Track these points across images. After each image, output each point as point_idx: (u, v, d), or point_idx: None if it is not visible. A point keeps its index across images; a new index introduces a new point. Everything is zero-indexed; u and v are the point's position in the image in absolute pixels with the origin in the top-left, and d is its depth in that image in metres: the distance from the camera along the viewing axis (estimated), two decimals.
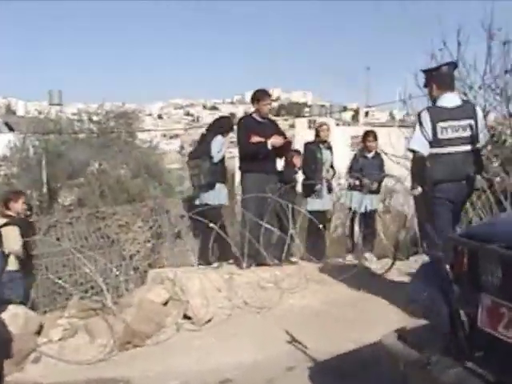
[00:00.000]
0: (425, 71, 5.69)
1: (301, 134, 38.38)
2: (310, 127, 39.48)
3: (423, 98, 13.48)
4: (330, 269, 7.05)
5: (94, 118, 16.28)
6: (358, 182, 8.27)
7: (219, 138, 7.16)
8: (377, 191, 8.40)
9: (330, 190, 8.30)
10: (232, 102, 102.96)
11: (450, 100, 5.39)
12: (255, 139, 6.86)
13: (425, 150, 5.23)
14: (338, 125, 41.62)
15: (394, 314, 5.53)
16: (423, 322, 5.11)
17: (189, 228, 7.54)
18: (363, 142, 8.52)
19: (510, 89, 12.80)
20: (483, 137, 5.50)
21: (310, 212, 7.82)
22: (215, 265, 6.94)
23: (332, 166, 8.35)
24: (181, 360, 4.95)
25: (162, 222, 7.14)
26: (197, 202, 7.08)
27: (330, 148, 8.36)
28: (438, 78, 5.43)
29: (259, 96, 7.02)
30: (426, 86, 5.63)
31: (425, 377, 2.86)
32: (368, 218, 8.21)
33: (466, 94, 13.40)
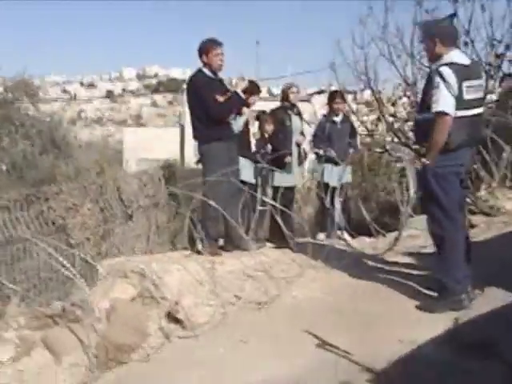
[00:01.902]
0: (425, 24, 4.87)
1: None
2: None
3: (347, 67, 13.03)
4: (316, 251, 6.04)
5: None
6: (322, 152, 7.35)
7: None
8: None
9: (300, 161, 7.23)
10: (110, 79, 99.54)
11: (461, 57, 4.60)
12: (220, 99, 5.71)
13: (453, 111, 4.36)
14: None
15: (412, 303, 4.72)
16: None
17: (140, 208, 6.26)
18: (329, 105, 7.54)
19: None
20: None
21: (278, 188, 6.78)
22: (187, 252, 5.76)
23: (302, 133, 7.29)
24: (187, 380, 3.78)
25: (112, 202, 5.81)
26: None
27: (299, 114, 7.30)
28: (443, 32, 4.58)
29: (208, 46, 5.73)
30: (423, 41, 4.80)
31: None
32: (343, 192, 7.27)
33: (393, 62, 13.07)
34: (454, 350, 3.83)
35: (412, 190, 5.67)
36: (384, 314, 4.54)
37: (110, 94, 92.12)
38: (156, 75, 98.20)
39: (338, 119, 7.43)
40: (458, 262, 4.48)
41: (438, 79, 4.34)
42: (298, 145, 7.11)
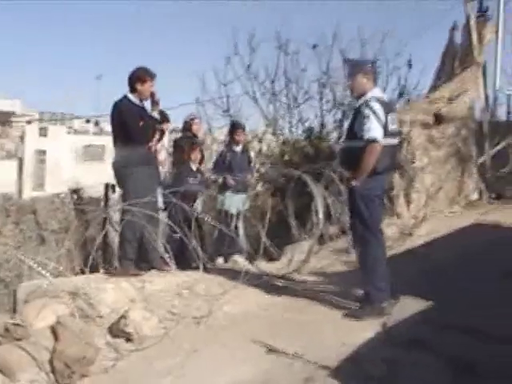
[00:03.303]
0: (357, 62, 5.52)
1: (32, 142, 35.75)
2: (41, 135, 37.29)
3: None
4: (224, 273, 6.34)
5: None
6: (222, 180, 7.71)
7: None
8: (245, 189, 7.89)
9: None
10: None
11: (381, 93, 5.37)
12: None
13: (382, 139, 4.98)
14: (69, 133, 39.95)
15: (337, 313, 5.16)
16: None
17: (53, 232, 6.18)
18: (230, 135, 7.98)
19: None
20: None
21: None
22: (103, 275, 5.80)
23: None
24: None
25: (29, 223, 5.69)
26: None
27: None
28: (372, 71, 5.35)
29: (145, 76, 5.95)
30: (353, 76, 5.25)
31: None
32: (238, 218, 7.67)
33: (256, 100, 13.98)
34: (394, 347, 4.32)
35: (321, 213, 6.18)
36: (318, 323, 4.93)
37: None
38: None
39: (238, 149, 7.85)
40: (381, 274, 5.02)
41: (368, 111, 4.93)
42: None
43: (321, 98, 13.38)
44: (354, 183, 5.02)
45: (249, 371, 4.06)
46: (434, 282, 5.66)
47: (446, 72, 10.15)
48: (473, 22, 9.74)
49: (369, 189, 5.02)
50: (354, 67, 5.34)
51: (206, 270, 6.21)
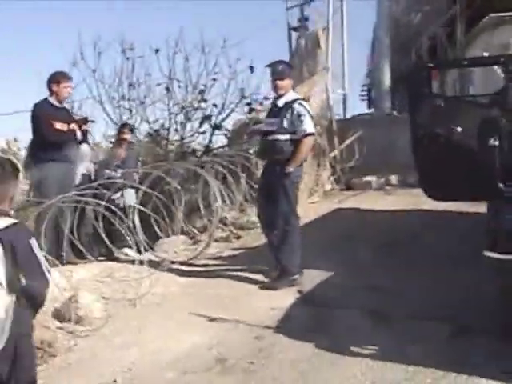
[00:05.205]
0: (286, 65, 6.13)
1: None
2: None
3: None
4: (131, 262, 6.68)
5: None
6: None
7: None
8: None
9: None
10: None
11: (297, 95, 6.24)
12: (58, 125, 6.31)
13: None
14: None
15: (251, 286, 5.85)
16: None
17: None
18: (118, 135, 8.29)
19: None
20: None
21: None
22: None
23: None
24: (127, 358, 4.26)
25: None
26: None
27: None
28: (292, 75, 6.18)
29: (59, 78, 6.49)
30: (281, 78, 5.83)
31: None
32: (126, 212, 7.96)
33: (103, 104, 14.08)
34: (317, 308, 5.08)
35: (219, 202, 6.81)
36: (239, 296, 5.56)
37: None
38: None
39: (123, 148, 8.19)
40: (297, 249, 5.77)
41: (303, 109, 5.71)
42: None
43: (168, 102, 13.77)
44: (290, 169, 5.65)
45: (201, 337, 4.57)
46: (325, 256, 6.46)
47: (295, 76, 11.19)
48: (321, 31, 10.92)
49: (297, 176, 5.83)
50: (285, 70, 5.95)
51: (114, 259, 6.56)
